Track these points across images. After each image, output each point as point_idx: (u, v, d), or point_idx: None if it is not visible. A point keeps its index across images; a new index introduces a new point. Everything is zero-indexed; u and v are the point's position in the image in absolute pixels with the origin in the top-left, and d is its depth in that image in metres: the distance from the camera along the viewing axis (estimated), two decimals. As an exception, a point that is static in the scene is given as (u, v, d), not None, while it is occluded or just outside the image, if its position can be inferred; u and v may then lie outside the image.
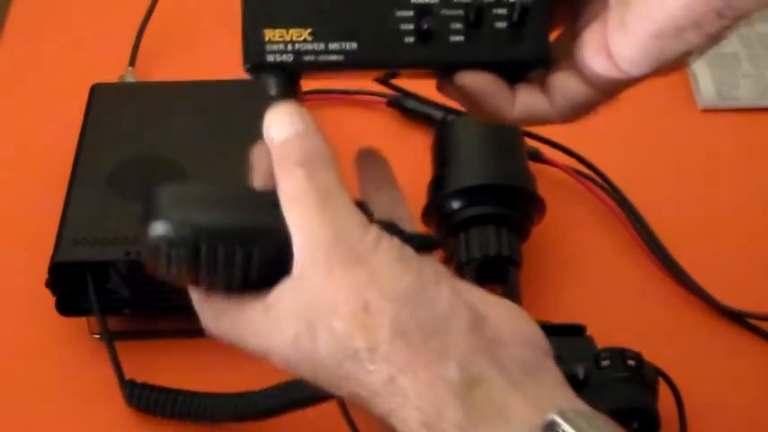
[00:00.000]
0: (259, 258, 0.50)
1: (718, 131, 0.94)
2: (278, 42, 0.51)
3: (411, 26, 0.51)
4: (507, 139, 0.83)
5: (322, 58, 0.52)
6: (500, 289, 0.78)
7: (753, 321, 0.79)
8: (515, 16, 0.51)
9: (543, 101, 0.53)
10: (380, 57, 0.52)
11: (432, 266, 0.50)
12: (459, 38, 0.51)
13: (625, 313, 0.80)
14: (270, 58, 0.52)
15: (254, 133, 0.83)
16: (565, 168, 0.88)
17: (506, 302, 0.53)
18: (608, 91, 0.53)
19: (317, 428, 0.72)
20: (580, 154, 0.88)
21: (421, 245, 0.52)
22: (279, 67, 0.52)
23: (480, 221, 0.78)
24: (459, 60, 0.51)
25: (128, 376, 0.73)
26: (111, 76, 0.94)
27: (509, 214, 0.78)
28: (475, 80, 0.52)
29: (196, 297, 0.53)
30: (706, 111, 0.95)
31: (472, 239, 0.78)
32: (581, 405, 0.49)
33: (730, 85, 0.95)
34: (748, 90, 0.95)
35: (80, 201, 0.78)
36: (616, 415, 0.67)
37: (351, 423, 0.70)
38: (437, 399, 0.46)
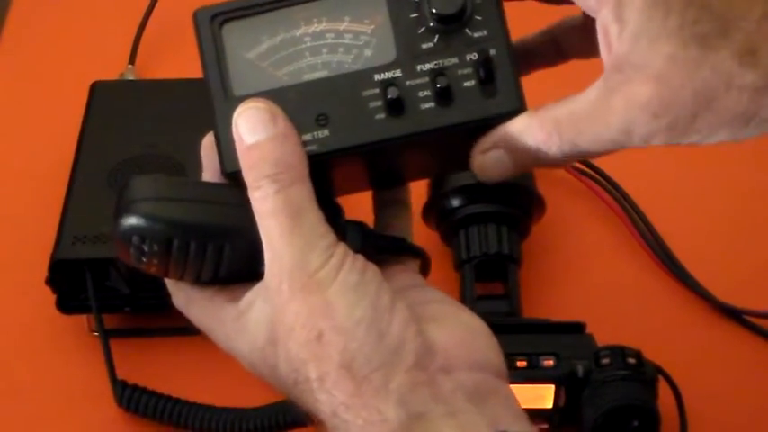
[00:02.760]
0: (230, 256, 0.50)
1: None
2: None
3: (379, 102, 0.50)
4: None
5: None
6: (500, 287, 0.78)
7: (752, 319, 0.79)
8: (481, 72, 0.50)
9: None
10: (355, 138, 0.50)
11: (389, 288, 0.50)
12: (430, 104, 0.50)
13: (625, 311, 0.80)
14: None
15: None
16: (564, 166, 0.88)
17: (466, 318, 0.52)
18: None
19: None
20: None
21: (389, 249, 0.52)
22: None
23: (480, 219, 0.78)
24: (435, 127, 0.50)
25: (127, 374, 0.73)
26: (111, 74, 0.94)
27: (509, 212, 0.78)
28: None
29: (168, 279, 0.54)
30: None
31: (472, 237, 0.78)
32: (527, 426, 0.50)
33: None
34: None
35: (80, 198, 0.78)
36: (616, 412, 0.67)
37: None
38: None
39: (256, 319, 0.50)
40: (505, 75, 0.51)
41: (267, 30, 0.52)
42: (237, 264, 0.51)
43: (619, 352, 0.68)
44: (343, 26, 0.51)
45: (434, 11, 0.50)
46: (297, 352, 0.48)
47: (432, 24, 0.51)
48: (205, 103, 0.52)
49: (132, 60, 0.97)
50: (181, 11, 1.02)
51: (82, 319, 0.77)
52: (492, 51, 0.51)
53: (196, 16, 0.52)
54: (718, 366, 0.77)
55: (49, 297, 0.74)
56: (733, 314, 0.79)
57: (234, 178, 0.51)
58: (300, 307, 0.48)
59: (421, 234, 0.82)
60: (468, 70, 0.51)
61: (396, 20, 0.51)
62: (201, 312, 0.53)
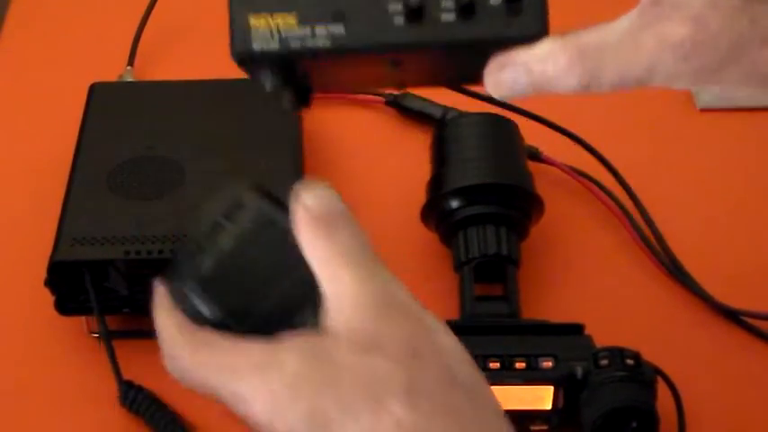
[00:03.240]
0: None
1: (717, 131, 0.94)
2: (263, 29, 0.50)
3: (400, 6, 0.49)
4: (506, 138, 0.83)
5: (309, 43, 0.50)
6: (499, 288, 0.78)
7: (751, 320, 0.79)
8: None
9: None
10: (369, 40, 0.49)
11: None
12: (451, 17, 0.49)
13: (624, 312, 0.80)
14: (256, 45, 0.50)
15: (253, 132, 0.84)
16: (563, 167, 0.88)
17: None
18: None
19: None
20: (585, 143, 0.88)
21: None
22: (266, 57, 0.50)
23: (479, 221, 0.78)
24: (452, 40, 0.49)
25: (126, 375, 0.73)
26: (110, 76, 0.94)
27: (508, 213, 0.78)
28: None
29: (175, 325, 0.48)
30: (705, 111, 0.95)
31: (471, 239, 0.78)
32: None
33: (729, 85, 0.95)
34: (747, 90, 0.95)
35: (79, 200, 0.78)
36: (615, 414, 0.67)
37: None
38: None
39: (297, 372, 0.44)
40: None
41: None
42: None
43: (617, 353, 0.68)
44: None
45: None
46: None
47: None
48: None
49: (131, 62, 0.97)
50: (179, 12, 1.03)
51: (81, 321, 0.77)
52: None
53: None
54: (717, 368, 0.77)
55: (48, 299, 0.74)
56: (732, 315, 0.79)
57: (245, 65, 0.50)
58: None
59: (420, 235, 0.83)
60: None
61: None
62: (212, 355, 0.46)
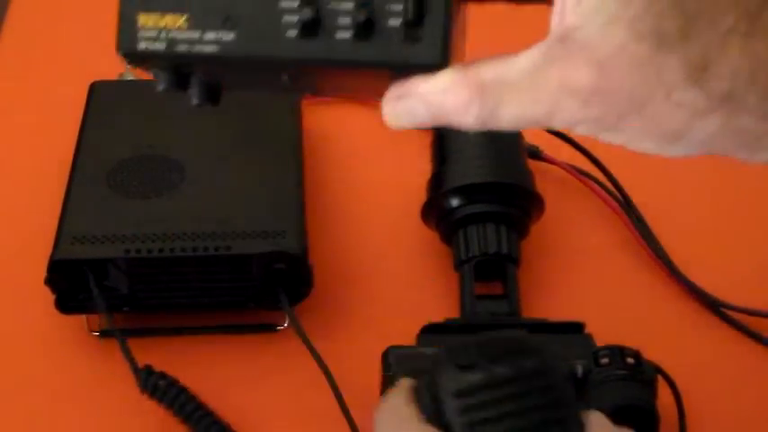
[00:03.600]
0: None
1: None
2: (151, 29, 0.48)
3: (294, 18, 0.47)
4: (506, 137, 0.83)
5: (197, 48, 0.48)
6: (499, 287, 0.78)
7: (751, 320, 0.79)
8: (410, 13, 0.46)
9: None
10: (258, 50, 0.47)
11: None
12: (347, 35, 0.46)
13: (624, 311, 0.80)
14: (142, 45, 0.48)
15: (253, 132, 0.84)
16: (563, 166, 0.88)
17: None
18: None
19: (318, 428, 0.72)
20: (584, 148, 0.88)
21: None
22: (151, 57, 0.48)
23: (479, 219, 0.78)
24: (346, 60, 0.47)
25: (126, 373, 0.73)
26: (110, 74, 0.94)
27: (508, 212, 0.78)
28: None
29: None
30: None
31: (471, 237, 0.78)
32: None
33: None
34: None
35: (79, 198, 0.78)
36: (615, 412, 0.67)
37: (352, 425, 0.70)
38: None
39: None
40: (435, 22, 0.46)
41: None
42: None
43: (618, 352, 0.68)
44: None
45: None
46: None
47: None
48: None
49: (131, 60, 0.97)
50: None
51: (81, 319, 0.77)
52: None
53: None
54: (718, 366, 0.77)
55: (49, 297, 0.74)
56: (732, 314, 0.79)
57: (134, 63, 0.49)
58: None
59: (420, 234, 0.83)
60: (396, 7, 0.46)
61: None
62: None
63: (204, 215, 0.75)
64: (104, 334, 0.76)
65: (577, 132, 0.45)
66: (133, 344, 0.74)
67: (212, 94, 0.50)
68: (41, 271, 0.73)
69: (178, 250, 0.73)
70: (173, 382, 0.72)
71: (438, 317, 0.73)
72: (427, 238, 0.82)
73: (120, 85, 0.93)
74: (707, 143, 0.45)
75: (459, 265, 0.79)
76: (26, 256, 0.80)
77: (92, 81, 0.89)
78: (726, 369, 0.77)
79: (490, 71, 0.45)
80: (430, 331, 0.71)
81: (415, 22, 0.46)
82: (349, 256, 0.83)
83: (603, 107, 0.44)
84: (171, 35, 0.48)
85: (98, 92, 0.88)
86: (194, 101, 0.50)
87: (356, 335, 0.78)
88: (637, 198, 0.86)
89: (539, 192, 0.80)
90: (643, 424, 0.68)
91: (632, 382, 0.68)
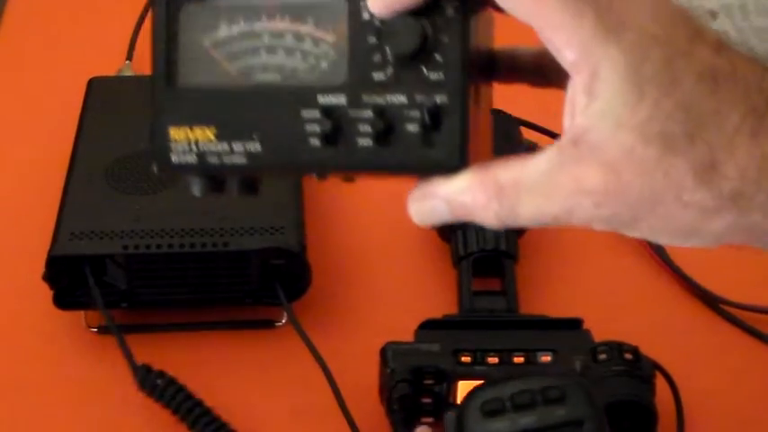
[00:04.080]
0: None
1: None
2: (182, 142, 0.49)
3: (317, 128, 0.48)
4: (504, 133, 0.82)
5: (226, 160, 0.49)
6: (497, 283, 0.78)
7: (749, 316, 0.79)
8: (427, 119, 0.47)
9: None
10: (285, 159, 0.49)
11: None
12: (368, 142, 0.48)
13: (622, 307, 0.80)
14: (174, 159, 0.49)
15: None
16: (562, 163, 0.88)
17: None
18: None
19: (318, 428, 0.72)
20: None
21: None
22: (184, 169, 0.50)
23: (478, 215, 0.78)
24: (368, 165, 0.48)
25: (125, 369, 0.73)
26: (108, 70, 0.94)
27: (506, 208, 0.78)
28: None
29: None
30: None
31: (469, 234, 0.78)
32: None
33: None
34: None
35: (78, 194, 0.78)
36: (613, 408, 0.67)
37: (351, 422, 0.70)
38: None
39: None
40: (452, 127, 0.47)
41: (227, 17, 0.49)
42: None
43: (616, 348, 0.68)
44: (305, 29, 0.49)
45: (388, 48, 0.48)
46: None
47: (388, 55, 0.48)
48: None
49: (130, 56, 0.97)
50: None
51: (79, 315, 0.77)
52: (443, 99, 0.47)
53: None
54: (716, 362, 0.77)
55: (47, 293, 0.74)
56: (730, 311, 0.79)
57: (168, 175, 0.50)
58: None
59: (419, 230, 0.83)
60: (414, 113, 0.48)
61: (354, 39, 0.48)
62: None
63: (202, 211, 0.75)
64: (102, 330, 0.76)
65: (597, 229, 0.47)
66: (131, 340, 0.74)
67: (250, 188, 0.52)
68: (40, 267, 0.73)
69: (176, 246, 0.73)
70: (171, 381, 0.72)
71: (436, 313, 0.73)
72: (425, 234, 0.82)
73: (118, 81, 0.93)
74: (721, 237, 0.46)
75: (457, 261, 0.79)
76: (24, 251, 0.80)
77: (90, 77, 0.89)
78: (724, 365, 0.77)
79: (507, 173, 0.47)
80: (428, 327, 0.71)
81: (432, 127, 0.47)
82: (347, 252, 0.83)
83: (616, 207, 0.45)
84: (201, 148, 0.49)
85: (96, 88, 0.88)
86: (233, 195, 0.51)
87: (354, 331, 0.78)
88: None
89: (537, 188, 0.80)
90: (641, 420, 0.68)
91: (630, 378, 0.68)
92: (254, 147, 0.49)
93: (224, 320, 0.78)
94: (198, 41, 0.49)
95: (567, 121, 0.46)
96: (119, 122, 0.85)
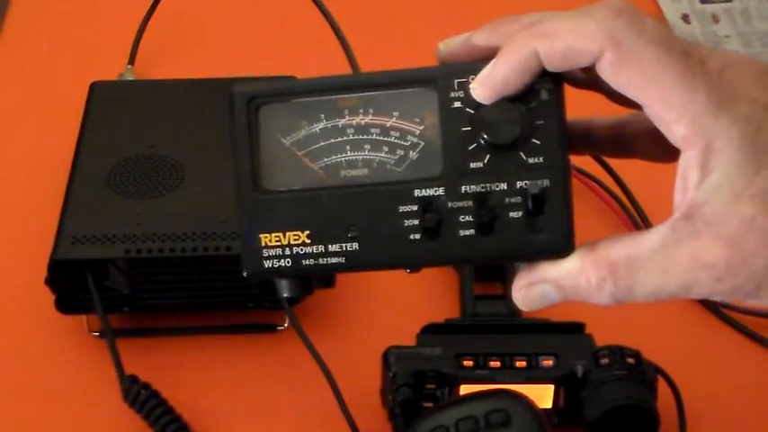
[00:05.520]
0: None
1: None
2: (275, 247, 0.48)
3: (416, 222, 0.47)
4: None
5: (322, 261, 0.48)
6: (499, 287, 0.78)
7: (751, 320, 0.79)
8: (530, 204, 0.46)
9: None
10: (384, 257, 0.48)
11: None
12: (470, 231, 0.47)
13: (624, 311, 0.79)
14: (267, 264, 0.49)
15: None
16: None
17: None
18: None
19: (318, 428, 0.72)
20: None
21: None
22: (278, 274, 0.49)
23: (479, 219, 0.78)
24: (471, 256, 0.48)
25: (127, 373, 0.73)
26: (110, 74, 0.94)
27: (508, 212, 0.78)
28: None
29: None
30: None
31: (471, 237, 0.78)
32: None
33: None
34: None
35: (79, 198, 0.78)
36: (615, 412, 0.67)
37: (352, 426, 0.70)
38: None
39: None
40: (556, 210, 0.47)
41: (308, 115, 0.48)
42: None
43: (618, 352, 0.68)
44: (390, 122, 0.48)
45: (486, 138, 0.46)
46: None
47: (483, 142, 0.47)
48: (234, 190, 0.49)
49: (131, 60, 0.97)
50: (181, 12, 1.03)
51: (81, 320, 0.77)
52: (545, 182, 0.47)
53: (233, 96, 0.48)
54: (718, 367, 0.77)
55: (49, 297, 0.74)
56: (732, 315, 0.79)
57: (254, 279, 0.50)
58: None
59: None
60: (516, 199, 0.47)
61: (446, 128, 0.47)
62: None
63: (204, 215, 0.75)
64: (104, 335, 0.76)
65: (716, 299, 0.46)
66: (133, 344, 0.75)
67: (329, 281, 0.52)
68: (41, 271, 0.73)
69: (178, 250, 0.73)
70: (153, 394, 0.71)
71: (438, 317, 0.73)
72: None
73: (120, 84, 0.93)
74: None
75: (458, 266, 0.79)
76: (26, 256, 0.80)
77: (92, 81, 0.89)
78: (726, 369, 0.77)
79: (620, 251, 0.46)
80: (430, 331, 0.71)
81: (535, 212, 0.47)
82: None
83: (739, 280, 0.44)
84: (295, 251, 0.48)
85: (98, 92, 0.88)
86: (313, 289, 0.51)
87: (356, 335, 0.78)
88: (639, 199, 0.86)
89: (539, 192, 0.80)
90: (643, 424, 0.68)
91: (632, 383, 0.68)
92: (352, 246, 0.48)
93: (226, 324, 0.78)
94: (279, 142, 0.48)
95: (678, 197, 0.46)
96: (120, 126, 0.84)
